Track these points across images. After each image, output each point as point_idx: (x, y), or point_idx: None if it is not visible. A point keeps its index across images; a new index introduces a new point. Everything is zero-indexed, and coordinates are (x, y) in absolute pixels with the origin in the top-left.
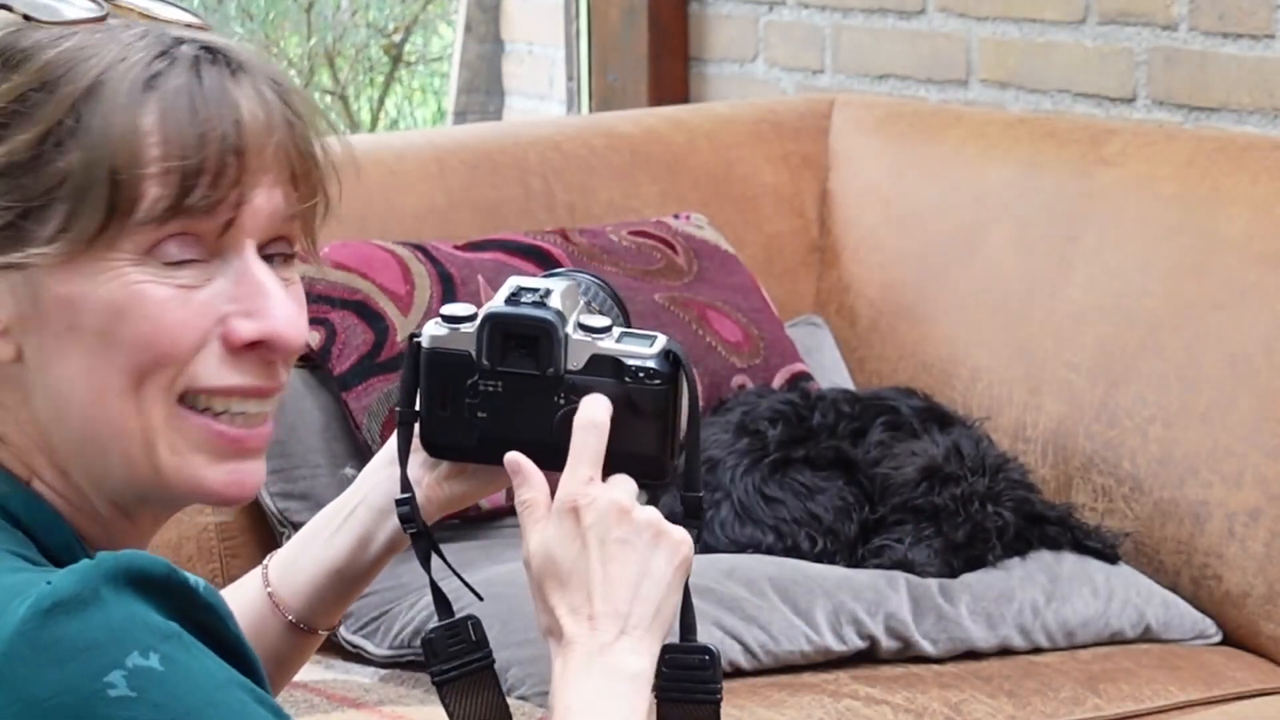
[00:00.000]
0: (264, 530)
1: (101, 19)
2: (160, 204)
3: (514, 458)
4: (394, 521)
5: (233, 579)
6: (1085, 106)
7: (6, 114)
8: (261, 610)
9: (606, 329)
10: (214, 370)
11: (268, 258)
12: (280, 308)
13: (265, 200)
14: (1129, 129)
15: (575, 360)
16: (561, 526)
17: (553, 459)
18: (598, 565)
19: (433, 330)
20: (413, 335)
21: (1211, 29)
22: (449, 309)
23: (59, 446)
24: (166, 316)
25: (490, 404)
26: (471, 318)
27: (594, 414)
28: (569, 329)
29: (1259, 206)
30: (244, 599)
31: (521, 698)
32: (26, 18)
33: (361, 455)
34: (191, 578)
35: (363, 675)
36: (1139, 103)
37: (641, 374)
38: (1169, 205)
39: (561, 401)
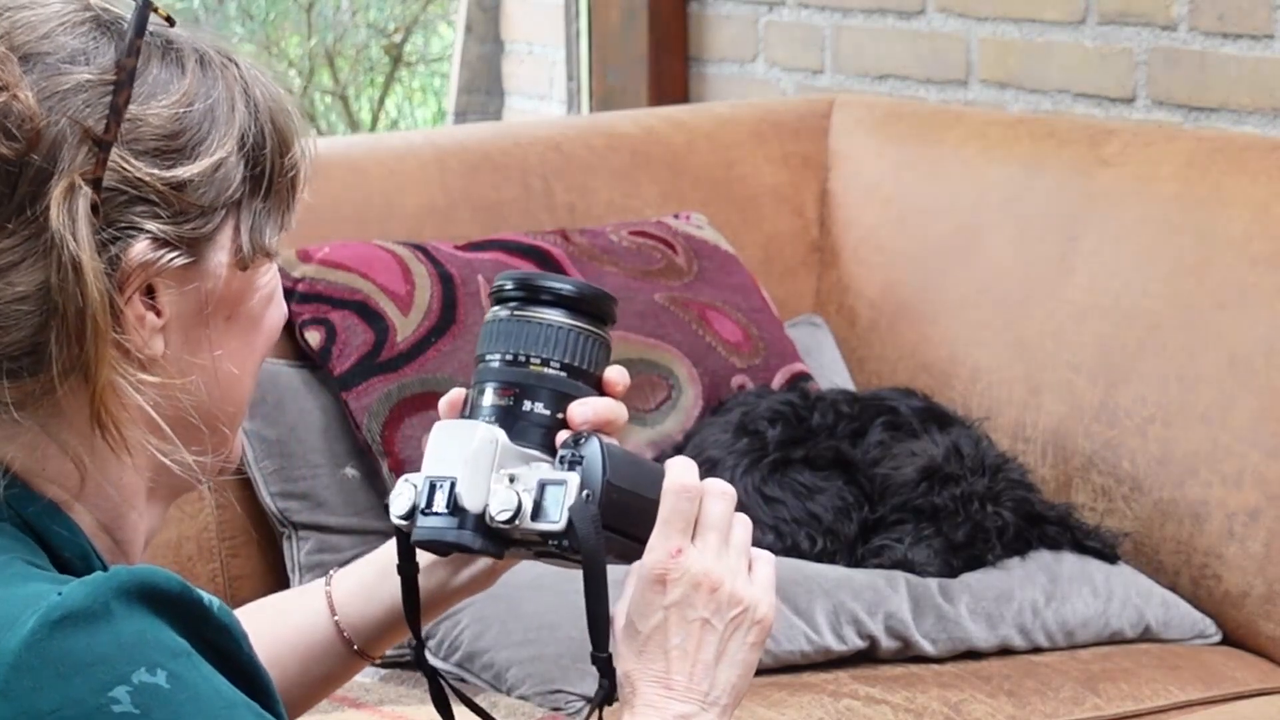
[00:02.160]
0: (264, 530)
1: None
2: (292, 216)
3: (591, 403)
4: (475, 566)
5: (233, 579)
6: (1085, 106)
7: (193, 120)
8: (324, 631)
9: (514, 514)
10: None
11: None
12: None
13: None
14: (1129, 129)
15: (498, 548)
16: (645, 596)
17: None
18: (677, 641)
19: (398, 511)
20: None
21: (1211, 29)
22: (420, 498)
23: (162, 435)
24: (285, 304)
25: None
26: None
27: (682, 477)
28: (488, 521)
29: (1259, 206)
30: (303, 615)
31: (522, 697)
32: (169, 19)
33: (362, 455)
34: (205, 596)
35: (363, 675)
36: (1139, 103)
37: (554, 547)
38: (1169, 205)
39: (526, 553)
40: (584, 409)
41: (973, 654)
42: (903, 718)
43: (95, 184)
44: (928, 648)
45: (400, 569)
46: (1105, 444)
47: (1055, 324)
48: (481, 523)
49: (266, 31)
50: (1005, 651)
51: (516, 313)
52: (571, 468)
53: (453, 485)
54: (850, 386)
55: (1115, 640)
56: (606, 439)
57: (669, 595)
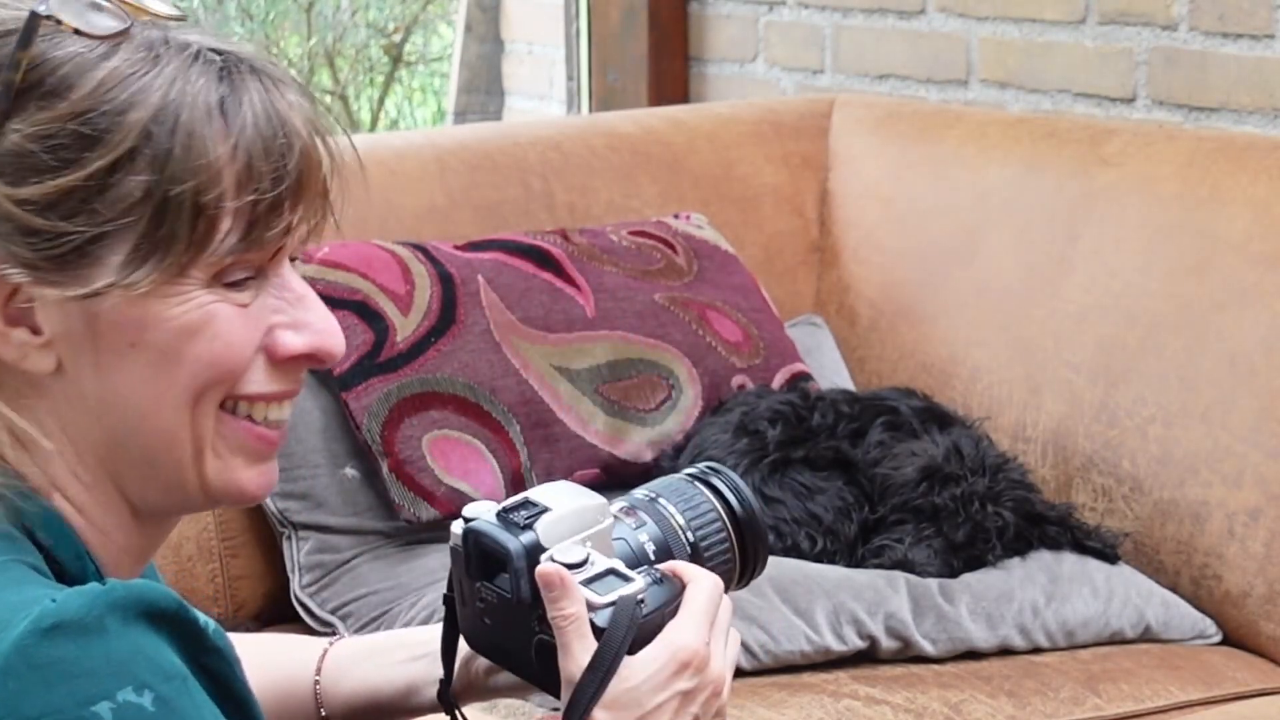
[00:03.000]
0: (264, 530)
1: (127, 31)
2: (232, 237)
3: (547, 570)
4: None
5: (233, 579)
6: (1085, 106)
7: (68, 135)
8: (303, 687)
9: (579, 564)
10: (260, 379)
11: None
12: (323, 320)
13: (306, 220)
14: (1129, 129)
15: (525, 587)
16: (665, 670)
17: (536, 683)
18: None
19: (472, 512)
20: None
21: (1211, 29)
22: (507, 504)
23: (102, 456)
24: (232, 335)
25: (491, 612)
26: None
27: (712, 575)
28: (543, 558)
29: (1259, 206)
30: (295, 665)
31: (522, 697)
32: (77, 31)
33: (362, 455)
34: (201, 617)
35: None
36: (1139, 103)
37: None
38: (1169, 205)
39: (537, 629)
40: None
41: (973, 654)
42: (903, 718)
43: None
44: (928, 648)
45: (445, 596)
46: (1105, 444)
47: (1055, 324)
48: (535, 552)
49: (266, 31)
50: (1005, 652)
51: (687, 478)
52: (654, 581)
53: (543, 511)
54: (850, 386)
55: (1115, 640)
56: (696, 579)
57: (684, 681)
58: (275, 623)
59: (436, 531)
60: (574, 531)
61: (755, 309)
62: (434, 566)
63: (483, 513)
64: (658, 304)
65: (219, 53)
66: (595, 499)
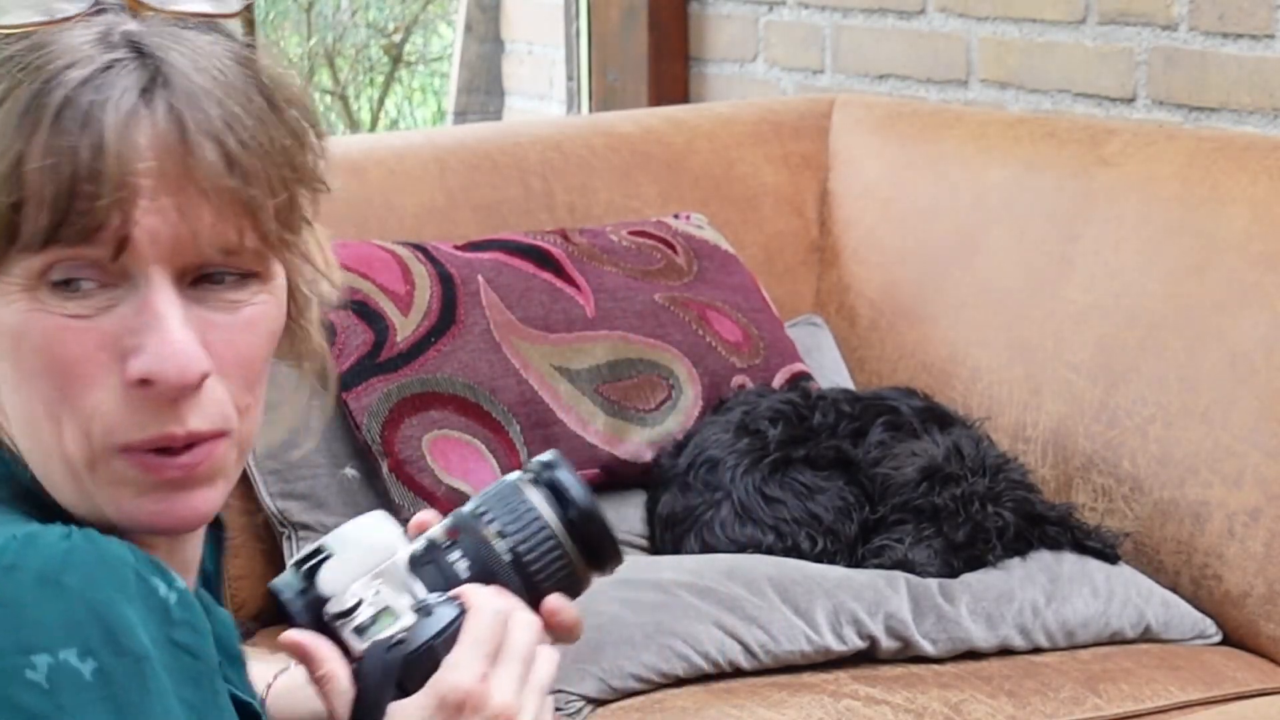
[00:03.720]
0: (264, 530)
1: (80, 15)
2: (37, 232)
3: (284, 640)
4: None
5: (233, 579)
6: (1085, 106)
7: None
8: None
9: (347, 612)
10: (119, 409)
11: (215, 279)
12: (163, 344)
13: (164, 224)
14: (1129, 129)
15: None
16: (431, 716)
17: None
18: None
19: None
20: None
21: (1211, 29)
22: (301, 554)
23: (27, 458)
24: (56, 349)
25: None
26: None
27: (493, 598)
28: (324, 613)
29: (1259, 206)
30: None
31: None
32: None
33: (362, 455)
34: (162, 588)
35: None
36: (1139, 103)
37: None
38: (1169, 205)
39: None
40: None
41: (973, 654)
42: (903, 718)
43: None
44: (928, 648)
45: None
46: (1105, 444)
47: (1055, 324)
48: (317, 606)
49: (266, 31)
50: (1005, 652)
51: (519, 482)
52: (422, 613)
53: (325, 559)
54: (850, 386)
55: (1115, 640)
56: (474, 608)
57: None
58: (275, 623)
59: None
60: (359, 573)
61: (755, 309)
62: None
63: (288, 571)
64: (658, 304)
65: (133, 49)
66: (387, 531)
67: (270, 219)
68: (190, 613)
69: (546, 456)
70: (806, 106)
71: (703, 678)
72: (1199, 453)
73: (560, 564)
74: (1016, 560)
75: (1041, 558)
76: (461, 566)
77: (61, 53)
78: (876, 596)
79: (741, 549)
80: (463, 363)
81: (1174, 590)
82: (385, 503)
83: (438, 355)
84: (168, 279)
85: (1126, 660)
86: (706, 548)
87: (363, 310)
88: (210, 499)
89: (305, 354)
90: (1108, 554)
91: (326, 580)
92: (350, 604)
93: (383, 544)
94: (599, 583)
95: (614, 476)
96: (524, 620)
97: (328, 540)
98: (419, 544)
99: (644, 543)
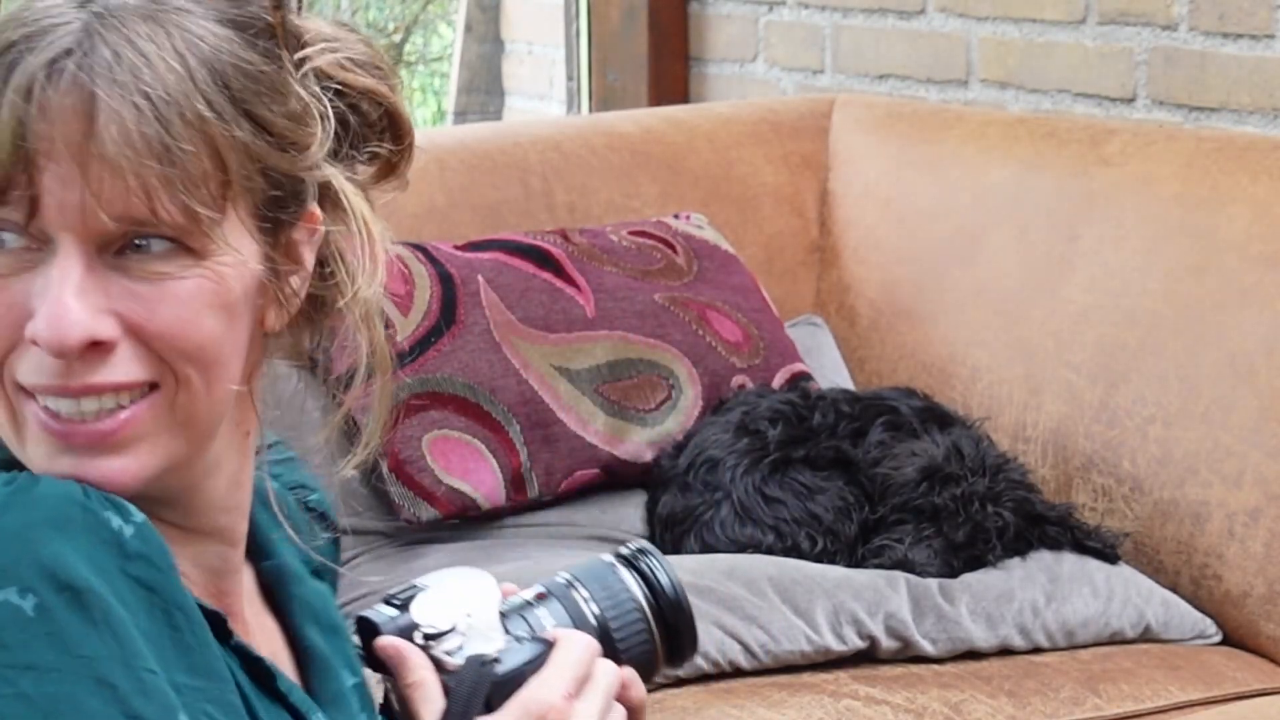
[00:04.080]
0: None
1: None
2: None
3: (382, 643)
4: None
5: None
6: (1085, 106)
7: None
8: None
9: (442, 633)
10: (26, 365)
11: (141, 250)
12: (53, 303)
13: (68, 191)
14: (1129, 129)
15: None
16: None
17: None
18: None
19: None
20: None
21: (1211, 29)
22: (393, 589)
23: None
24: None
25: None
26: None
27: (586, 637)
28: (415, 636)
29: (1259, 206)
30: None
31: None
32: None
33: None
34: (115, 521)
35: None
36: (1139, 103)
37: (443, 686)
38: (1169, 205)
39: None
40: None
41: (973, 654)
42: (903, 718)
43: None
44: (928, 648)
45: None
46: (1105, 444)
47: (1055, 324)
48: (408, 630)
49: None
50: (1005, 652)
51: (613, 562)
52: (515, 641)
53: (419, 591)
54: (850, 386)
55: (1115, 640)
56: (565, 639)
57: None
58: None
59: (436, 531)
60: (453, 608)
61: (755, 309)
62: (434, 566)
63: (378, 603)
64: (658, 304)
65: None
66: (482, 580)
67: (186, 195)
68: (147, 545)
69: (639, 544)
70: (806, 106)
71: (703, 677)
72: (1199, 453)
73: (643, 641)
74: (1016, 560)
75: (1041, 558)
76: (548, 622)
77: (36, 15)
78: (876, 596)
79: (741, 549)
80: (463, 363)
81: (1174, 590)
82: (385, 503)
83: (438, 355)
84: (77, 246)
85: (1126, 660)
86: (706, 548)
87: None
88: (126, 468)
89: (316, 352)
90: (1108, 554)
91: (420, 609)
92: (444, 628)
93: (476, 589)
94: None
95: (614, 476)
96: (609, 664)
97: (421, 580)
98: (508, 600)
99: None
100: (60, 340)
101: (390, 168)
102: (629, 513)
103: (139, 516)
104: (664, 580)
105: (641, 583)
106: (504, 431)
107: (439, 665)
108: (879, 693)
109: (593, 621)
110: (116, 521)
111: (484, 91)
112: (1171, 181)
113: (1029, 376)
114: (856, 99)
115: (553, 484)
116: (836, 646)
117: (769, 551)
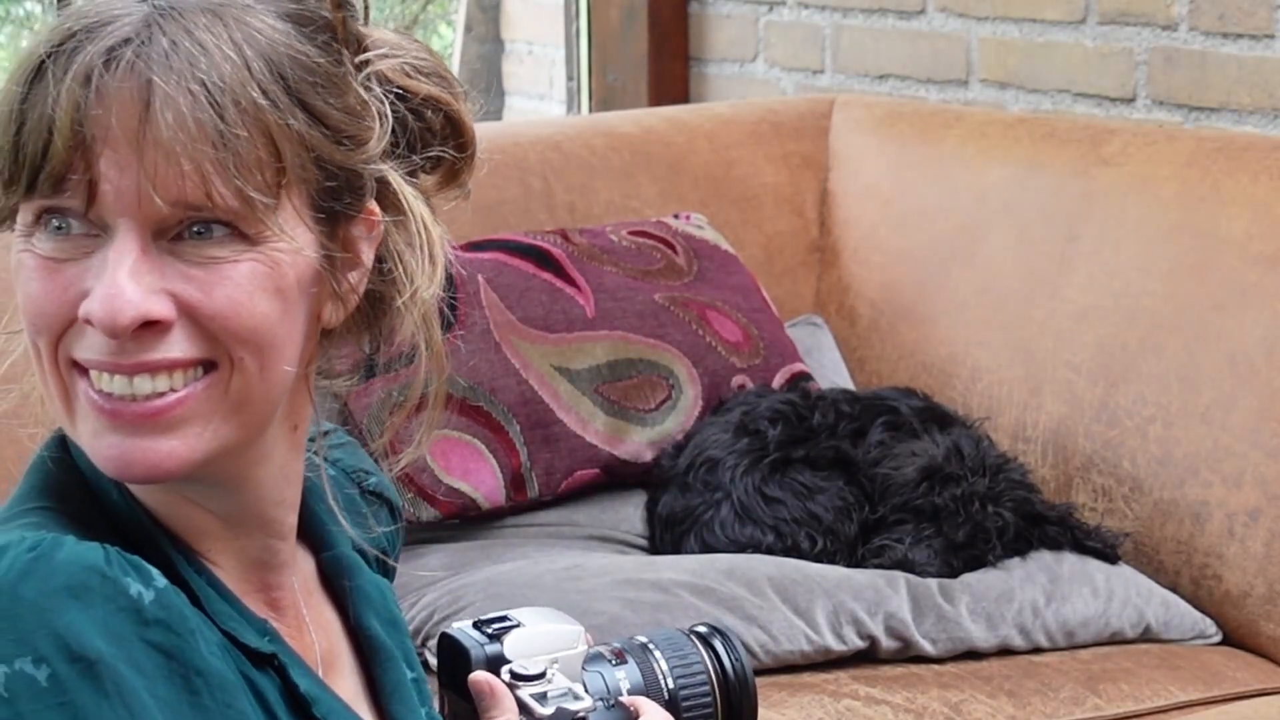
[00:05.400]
0: None
1: None
2: (17, 180)
3: (477, 678)
4: None
5: None
6: (1085, 106)
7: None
8: None
9: (535, 677)
10: (82, 343)
11: (197, 235)
12: (109, 285)
13: (125, 178)
14: (1129, 129)
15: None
16: None
17: None
18: None
19: (456, 624)
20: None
21: (1211, 29)
22: (485, 616)
23: None
24: (33, 286)
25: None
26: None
27: (662, 712)
28: (504, 669)
29: (1259, 206)
30: None
31: None
32: None
33: None
34: (134, 587)
35: None
36: (1139, 103)
37: None
38: (1169, 205)
39: None
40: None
41: (973, 654)
42: (903, 718)
43: None
44: (928, 648)
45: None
46: (1105, 444)
47: (1055, 324)
48: (497, 662)
49: None
50: (1005, 652)
51: (689, 634)
52: (603, 703)
53: (514, 626)
54: (850, 386)
55: (1115, 640)
56: (648, 713)
57: None
58: None
59: (436, 531)
60: (542, 650)
61: (755, 309)
62: (434, 566)
63: (466, 624)
64: (658, 304)
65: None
66: (571, 626)
67: (241, 180)
68: (166, 612)
69: (711, 624)
70: (806, 106)
71: None
72: (1199, 453)
73: (707, 716)
74: (1016, 560)
75: (1041, 558)
76: (625, 685)
77: (99, 7)
78: (876, 596)
79: (741, 549)
80: (463, 363)
81: (1174, 590)
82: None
83: None
84: (134, 231)
85: (1126, 660)
86: (706, 548)
87: None
88: (175, 451)
89: (377, 340)
90: (1108, 554)
91: (512, 645)
92: (535, 671)
93: (565, 634)
94: (599, 582)
95: (614, 476)
96: None
97: (514, 614)
98: (593, 650)
99: (644, 543)
100: (114, 319)
101: (453, 174)
102: (629, 513)
103: (160, 581)
104: (735, 661)
105: (714, 659)
106: (504, 431)
107: (525, 709)
108: (879, 693)
109: (664, 694)
110: (136, 588)
111: (484, 91)
112: (1171, 181)
113: (1029, 376)
114: (856, 99)
115: (553, 484)
116: (836, 646)
117: (769, 551)
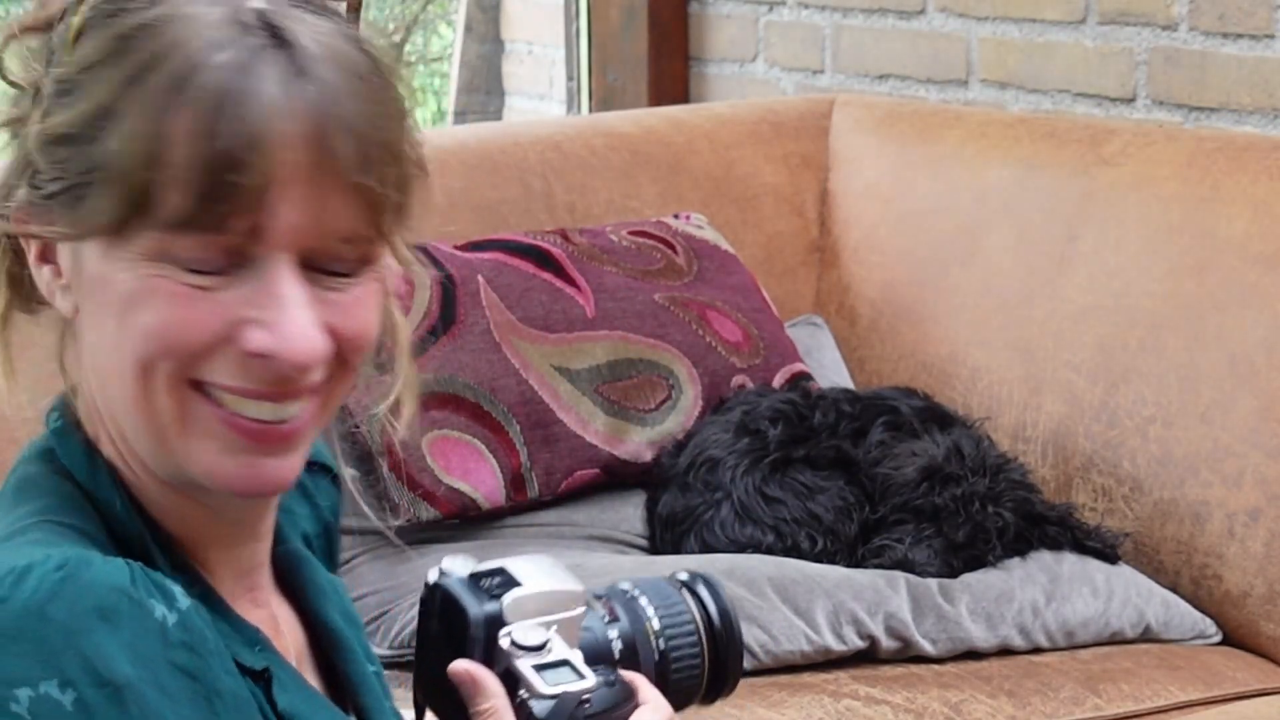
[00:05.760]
0: None
1: None
2: (175, 215)
3: (456, 669)
4: None
5: None
6: (1085, 106)
7: (76, 77)
8: None
9: (537, 648)
10: (226, 369)
11: (328, 271)
12: (292, 323)
13: (297, 214)
14: (1129, 129)
15: (483, 652)
16: None
17: None
18: None
19: (448, 567)
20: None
21: (1211, 29)
22: (481, 568)
23: (103, 409)
24: (176, 311)
25: (443, 673)
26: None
27: (663, 703)
28: (501, 635)
29: (1259, 206)
30: None
31: None
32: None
33: (361, 455)
34: (159, 610)
35: None
36: (1139, 103)
37: (527, 708)
38: (1169, 205)
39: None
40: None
41: (973, 654)
42: (903, 718)
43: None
44: (928, 648)
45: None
46: (1105, 444)
47: (1055, 324)
48: (495, 624)
49: None
50: (1005, 652)
51: (673, 582)
52: (605, 683)
53: (513, 585)
54: (850, 386)
55: (1115, 640)
56: (651, 703)
57: None
58: None
59: (436, 531)
60: (541, 612)
61: (755, 309)
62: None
63: (457, 569)
64: (658, 304)
65: (272, 33)
66: (572, 584)
67: (391, 210)
68: (189, 634)
69: (694, 571)
70: (806, 106)
71: None
72: (1199, 453)
73: (694, 669)
74: (1016, 560)
75: (1041, 558)
76: (616, 643)
77: (199, 31)
78: (876, 596)
79: (741, 549)
80: (463, 363)
81: (1174, 590)
82: (384, 502)
83: (438, 355)
84: (293, 263)
85: (1126, 660)
86: (706, 548)
87: None
88: (293, 467)
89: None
90: (1108, 554)
91: (512, 606)
92: (537, 642)
93: (565, 596)
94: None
95: (614, 476)
96: None
97: (512, 568)
98: (591, 593)
99: (644, 543)
100: (302, 360)
101: None
102: (629, 513)
103: (184, 602)
104: (723, 608)
105: (701, 608)
106: (504, 431)
107: (525, 686)
108: (879, 693)
109: (654, 656)
110: (160, 610)
111: (484, 91)
112: (1171, 181)
113: (1029, 376)
114: (856, 99)
115: (553, 484)
116: (836, 646)
117: (769, 551)
